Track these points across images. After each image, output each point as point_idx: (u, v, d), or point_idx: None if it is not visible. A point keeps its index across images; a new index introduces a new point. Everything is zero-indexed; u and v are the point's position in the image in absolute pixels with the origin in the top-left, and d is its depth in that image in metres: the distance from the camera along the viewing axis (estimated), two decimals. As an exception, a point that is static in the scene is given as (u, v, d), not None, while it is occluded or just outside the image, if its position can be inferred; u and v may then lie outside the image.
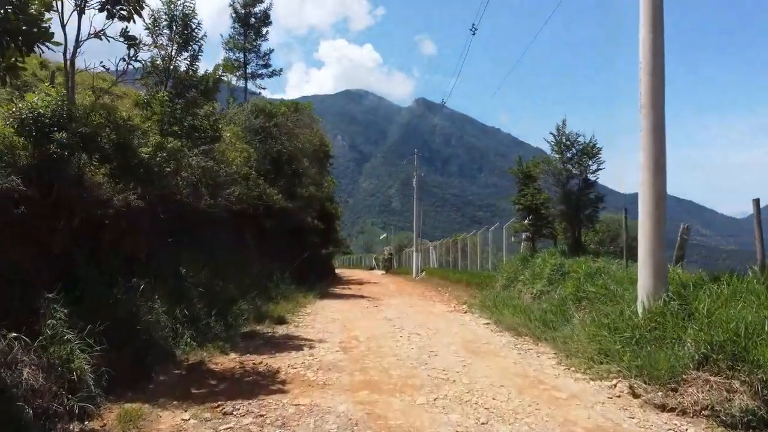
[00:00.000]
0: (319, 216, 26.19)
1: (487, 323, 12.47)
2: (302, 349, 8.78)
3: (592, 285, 10.54)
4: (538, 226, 15.61)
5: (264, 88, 26.00)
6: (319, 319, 12.63)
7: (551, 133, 13.92)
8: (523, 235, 18.30)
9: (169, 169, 8.58)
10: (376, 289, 24.27)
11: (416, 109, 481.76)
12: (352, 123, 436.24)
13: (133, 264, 8.67)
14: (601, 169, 13.67)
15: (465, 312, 14.92)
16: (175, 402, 5.85)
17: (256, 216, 16.27)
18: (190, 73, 10.01)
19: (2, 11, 4.32)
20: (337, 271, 69.93)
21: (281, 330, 10.93)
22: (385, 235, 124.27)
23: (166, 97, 8.98)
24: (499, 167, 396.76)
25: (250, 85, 29.84)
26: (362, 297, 19.47)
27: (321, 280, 24.80)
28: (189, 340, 8.28)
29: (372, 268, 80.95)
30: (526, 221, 16.15)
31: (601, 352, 7.96)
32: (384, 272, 63.10)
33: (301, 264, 21.49)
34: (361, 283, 28.21)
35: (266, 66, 29.99)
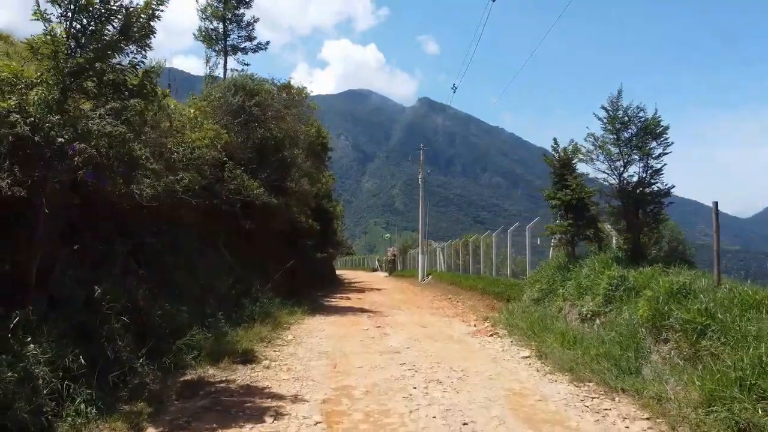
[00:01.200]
0: (315, 215, 23.19)
1: (527, 357, 9.38)
2: (263, 420, 5.73)
3: (680, 309, 7.45)
4: (580, 226, 12.53)
5: (248, 65, 22.44)
6: (301, 351, 9.48)
7: (603, 107, 10.83)
8: (554, 239, 15.25)
9: (62, 140, 5.57)
10: (380, 299, 21.22)
11: (419, 108, 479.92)
12: (355, 123, 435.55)
13: (12, 285, 5.71)
14: (667, 153, 10.55)
15: (491, 334, 11.84)
16: None
17: (232, 215, 13.27)
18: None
19: None
20: (338, 272, 67.01)
21: (243, 374, 7.75)
22: (388, 234, 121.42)
23: (63, 35, 5.97)
24: (503, 166, 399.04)
25: (232, 63, 26.33)
26: (362, 311, 16.40)
27: (316, 288, 21.83)
28: (83, 406, 5.25)
29: (375, 270, 78.32)
30: (562, 221, 13.07)
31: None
32: (387, 274, 60.29)
33: (292, 271, 18.49)
34: (362, 291, 25.25)
35: (250, 38, 26.25)
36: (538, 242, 18.35)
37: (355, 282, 44.32)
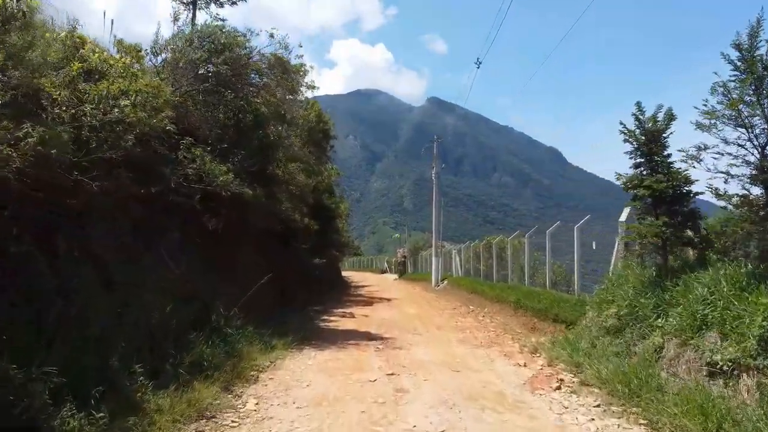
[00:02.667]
0: (314, 213, 19.55)
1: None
2: None
3: None
4: (675, 225, 8.76)
5: (224, 20, 17.93)
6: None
7: (734, 44, 7.08)
8: (626, 246, 11.53)
9: None
10: (390, 315, 17.12)
11: (428, 108, 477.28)
12: (363, 123, 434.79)
13: None
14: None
15: (557, 386, 7.99)
16: None
17: (188, 210, 9.58)
18: None
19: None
20: (346, 274, 63.27)
21: None
22: (398, 234, 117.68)
23: None
24: (513, 166, 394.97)
25: (204, 17, 21.58)
26: (368, 338, 12.30)
27: (314, 300, 18.18)
28: None
29: (384, 272, 74.90)
30: (646, 218, 9.27)
31: None
32: (397, 277, 56.68)
33: (283, 281, 14.85)
34: (369, 302, 21.18)
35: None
36: (594, 246, 14.55)
37: (363, 286, 40.54)
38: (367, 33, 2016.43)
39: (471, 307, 21.59)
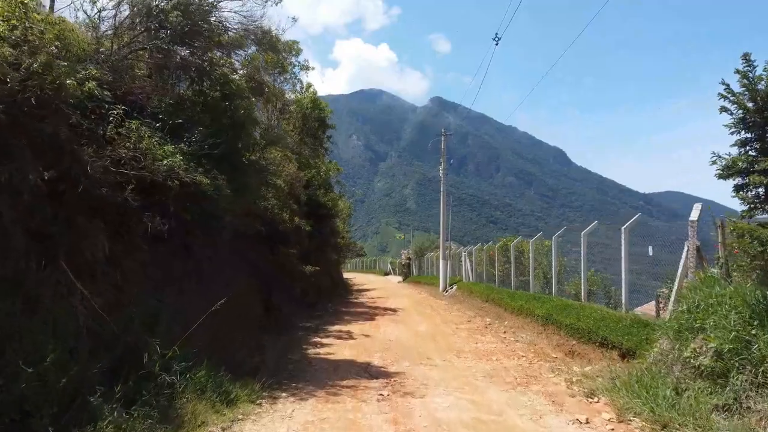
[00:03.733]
0: (307, 211, 16.88)
1: None
2: None
3: None
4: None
5: None
6: None
7: None
8: (698, 253, 8.89)
9: None
10: (396, 334, 14.07)
11: (432, 107, 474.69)
12: (366, 122, 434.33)
13: None
14: None
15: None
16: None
17: (123, 208, 6.90)
18: None
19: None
20: (348, 275, 60.36)
21: None
22: (402, 235, 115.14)
23: None
24: (516, 166, 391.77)
25: None
26: (369, 373, 9.59)
27: (305, 316, 15.44)
28: None
29: (387, 274, 72.23)
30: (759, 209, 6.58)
31: None
32: (402, 279, 54.07)
33: (266, 295, 12.19)
34: (372, 315, 17.94)
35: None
36: (650, 252, 11.83)
37: (365, 291, 37.82)
38: (370, 33, 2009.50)
39: (487, 319, 18.91)
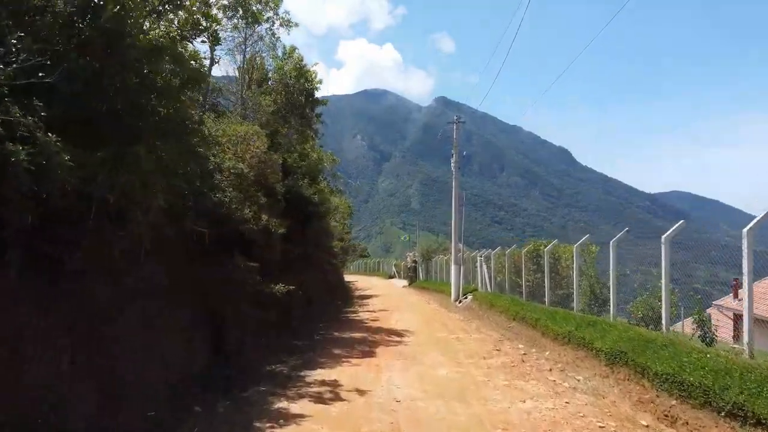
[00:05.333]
0: (286, 208, 12.72)
1: None
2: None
3: None
4: None
5: None
6: None
7: None
8: None
9: None
10: (407, 385, 9.15)
11: (436, 107, 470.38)
12: (371, 122, 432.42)
13: None
14: None
15: None
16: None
17: None
18: None
19: None
20: (351, 278, 56.08)
21: None
22: (406, 236, 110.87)
23: None
24: (521, 166, 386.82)
25: None
26: None
27: (279, 349, 11.09)
28: None
29: (391, 277, 68.12)
30: None
31: None
32: (407, 284, 50.16)
33: (218, 324, 8.11)
34: (372, 345, 13.22)
35: None
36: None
37: (367, 299, 33.65)
38: (375, 33, 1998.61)
39: (520, 345, 14.83)
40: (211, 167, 9.99)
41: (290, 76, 15.70)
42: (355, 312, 23.20)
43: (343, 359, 11.03)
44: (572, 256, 17.37)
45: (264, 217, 10.02)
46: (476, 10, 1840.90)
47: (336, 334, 14.73)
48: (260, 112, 13.73)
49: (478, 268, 27.70)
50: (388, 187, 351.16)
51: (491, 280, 25.26)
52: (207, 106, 12.53)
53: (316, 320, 17.07)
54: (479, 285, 27.49)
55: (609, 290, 15.14)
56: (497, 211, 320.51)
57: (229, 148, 10.55)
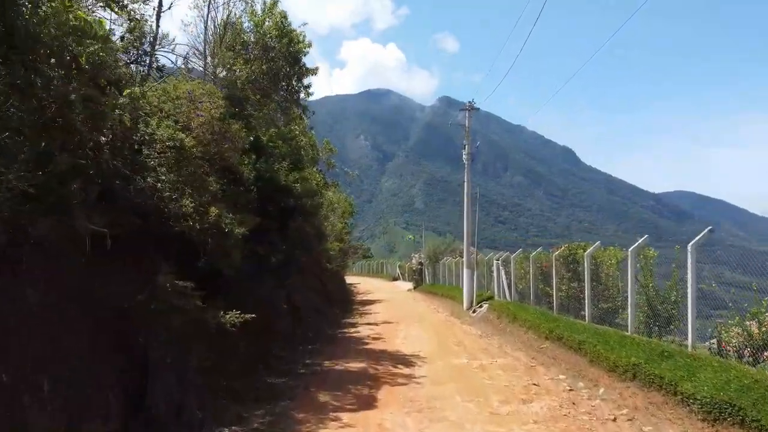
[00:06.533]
0: (259, 201, 9.52)
1: None
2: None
3: None
4: None
5: None
6: None
7: None
8: None
9: None
10: None
11: (439, 107, 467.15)
12: (374, 122, 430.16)
13: None
14: None
15: None
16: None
17: None
18: None
19: None
20: (353, 280, 53.21)
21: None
22: (411, 236, 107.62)
23: None
24: (525, 165, 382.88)
25: None
26: None
27: (241, 403, 7.91)
28: None
29: (396, 279, 65.19)
30: None
31: None
32: (413, 287, 47.13)
33: (141, 371, 4.89)
34: (373, 387, 8.62)
35: None
36: None
37: (369, 305, 30.52)
38: (378, 33, 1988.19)
39: (561, 375, 11.70)
40: (141, 139, 6.84)
41: (269, 35, 12.51)
42: (354, 325, 19.94)
43: (331, 414, 7.69)
44: (615, 262, 14.24)
45: (213, 210, 6.85)
46: (480, 10, 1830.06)
47: (327, 364, 11.40)
48: (228, 77, 10.53)
49: (495, 273, 24.46)
50: (391, 187, 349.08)
51: (510, 288, 22.03)
52: (150, 63, 9.38)
53: (304, 341, 13.85)
54: (495, 292, 24.27)
55: (675, 306, 12.04)
56: (501, 210, 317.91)
57: (171, 115, 7.44)
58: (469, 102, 26.58)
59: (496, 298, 23.83)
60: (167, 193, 6.52)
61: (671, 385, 8.61)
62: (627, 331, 12.64)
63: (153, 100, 7.43)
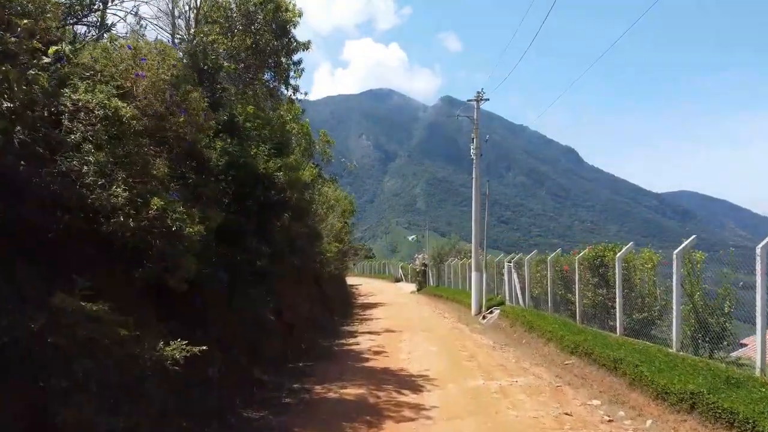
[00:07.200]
0: (235, 194, 7.70)
1: None
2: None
3: None
4: None
5: None
6: None
7: None
8: None
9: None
10: None
11: (442, 107, 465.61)
12: (376, 122, 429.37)
13: None
14: None
15: None
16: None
17: None
18: None
19: None
20: (353, 281, 51.53)
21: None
22: (414, 236, 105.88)
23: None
24: (527, 165, 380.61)
25: None
26: None
27: None
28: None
29: (398, 280, 63.56)
30: None
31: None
32: (416, 290, 45.43)
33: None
34: (372, 427, 7.56)
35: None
36: None
37: (370, 308, 28.79)
38: (381, 33, 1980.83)
39: (595, 401, 9.96)
40: (63, 109, 5.08)
41: (254, 2, 10.71)
42: (353, 334, 18.13)
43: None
44: (651, 266, 12.50)
45: (156, 203, 5.06)
46: (483, 9, 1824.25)
47: (318, 390, 9.48)
48: (197, 45, 8.75)
49: (506, 276, 22.67)
50: (393, 187, 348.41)
51: (524, 293, 20.23)
52: (101, 23, 7.59)
53: (295, 357, 12.03)
54: (506, 297, 22.49)
55: (728, 318, 10.27)
56: (503, 210, 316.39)
57: (111, 80, 5.70)
58: (478, 92, 24.84)
59: (507, 303, 22.06)
60: (91, 179, 4.78)
61: (748, 423, 6.84)
62: (669, 347, 10.90)
63: (88, 61, 5.69)
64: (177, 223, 5.24)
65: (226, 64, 8.58)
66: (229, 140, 7.96)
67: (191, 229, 5.39)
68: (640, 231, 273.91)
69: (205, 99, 7.09)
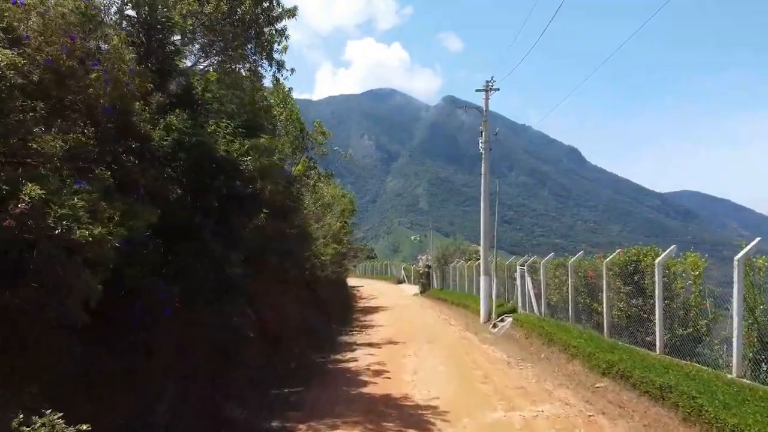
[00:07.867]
0: (187, 186, 5.93)
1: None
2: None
3: None
4: None
5: None
6: None
7: None
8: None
9: None
10: None
11: (444, 106, 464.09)
12: (378, 122, 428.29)
13: None
14: None
15: None
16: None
17: None
18: None
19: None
20: (354, 283, 50.05)
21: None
22: (417, 237, 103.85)
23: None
24: (530, 165, 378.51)
25: None
26: None
27: None
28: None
29: (401, 282, 61.91)
30: None
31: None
32: (419, 292, 44.01)
33: None
34: None
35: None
36: None
37: (371, 313, 27.04)
38: (382, 32, 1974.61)
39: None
40: None
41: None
42: (351, 347, 16.32)
43: None
44: (698, 274, 10.72)
45: (32, 189, 3.29)
46: (483, 9, 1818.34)
47: (303, 429, 7.79)
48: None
49: (518, 281, 20.86)
50: (395, 187, 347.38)
51: (540, 300, 18.43)
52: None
53: (280, 380, 10.23)
54: (519, 304, 20.70)
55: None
56: (506, 210, 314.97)
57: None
58: (487, 81, 23.03)
59: (519, 310, 20.27)
60: None
61: None
62: (720, 368, 9.16)
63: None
64: (64, 222, 3.50)
65: (178, 18, 6.84)
66: (182, 116, 6.16)
67: (81, 232, 3.55)
68: (642, 231, 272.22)
69: (152, 63, 5.34)
